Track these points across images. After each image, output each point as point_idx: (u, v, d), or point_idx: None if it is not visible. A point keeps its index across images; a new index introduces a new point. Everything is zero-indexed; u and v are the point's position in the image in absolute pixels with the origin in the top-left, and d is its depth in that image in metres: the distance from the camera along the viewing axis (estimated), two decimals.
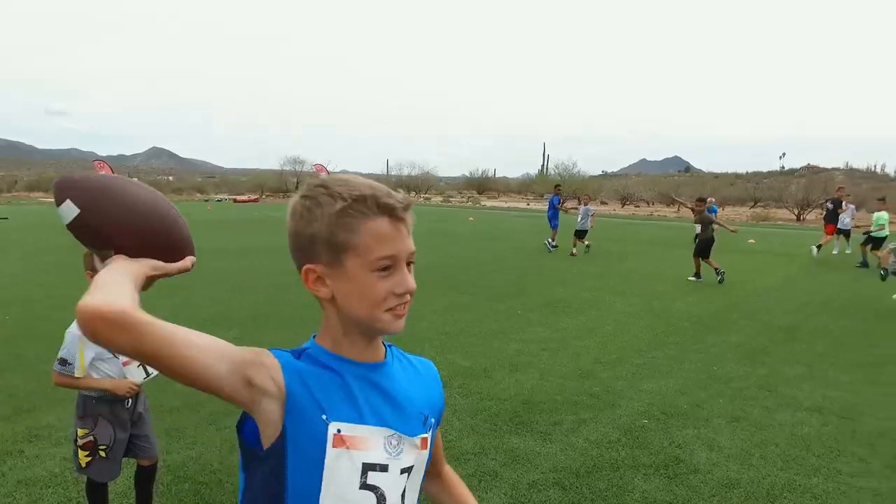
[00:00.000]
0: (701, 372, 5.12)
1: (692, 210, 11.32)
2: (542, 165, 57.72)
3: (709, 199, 17.78)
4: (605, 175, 76.31)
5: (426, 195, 56.93)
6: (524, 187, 62.84)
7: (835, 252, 14.93)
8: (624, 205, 47.88)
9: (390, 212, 0.83)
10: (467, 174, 69.07)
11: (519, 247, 15.42)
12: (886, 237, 13.13)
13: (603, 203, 46.60)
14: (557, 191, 16.13)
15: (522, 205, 46.16)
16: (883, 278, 8.72)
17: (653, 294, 8.96)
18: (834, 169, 70.95)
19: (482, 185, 65.15)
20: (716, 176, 69.90)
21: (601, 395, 4.49)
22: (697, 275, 10.33)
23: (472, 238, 17.87)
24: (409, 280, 0.86)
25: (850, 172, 67.99)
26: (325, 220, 0.82)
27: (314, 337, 0.92)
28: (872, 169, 70.49)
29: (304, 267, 0.86)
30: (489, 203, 48.99)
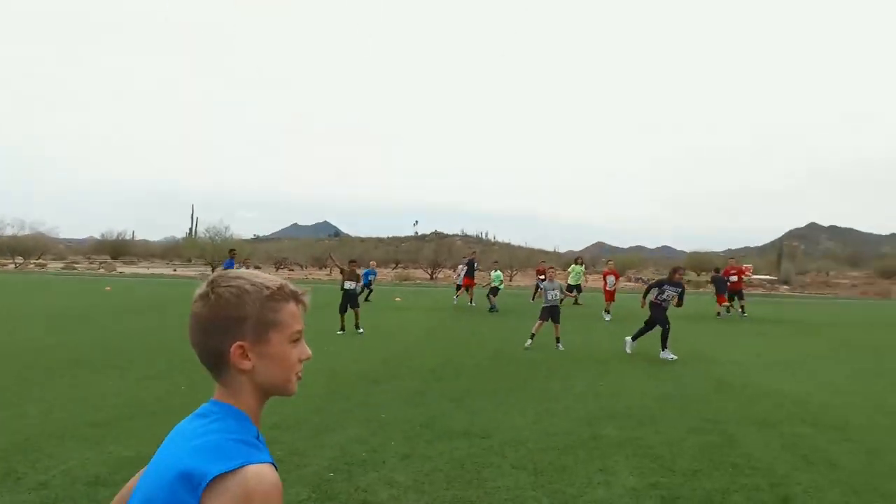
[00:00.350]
0: (372, 421, 5.62)
1: (342, 271, 12.19)
2: (191, 228, 54.35)
3: (371, 262, 19.79)
4: (257, 239, 75.96)
5: (40, 260, 47.26)
6: (169, 252, 57.91)
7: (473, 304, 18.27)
8: (278, 268, 48.38)
9: (297, 297, 1.12)
10: (98, 236, 60.36)
11: (184, 315, 14.18)
12: (501, 287, 17.43)
13: (257, 267, 46.15)
14: (232, 255, 15.75)
15: (168, 271, 42.44)
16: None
17: (319, 354, 9.36)
18: (454, 235, 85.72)
19: (118, 249, 57.60)
20: (362, 240, 76.67)
21: (286, 458, 4.53)
22: (356, 326, 11.48)
23: (122, 311, 15.67)
24: (308, 349, 1.14)
25: (466, 238, 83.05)
26: (257, 305, 1.05)
27: (235, 416, 1.04)
28: (481, 235, 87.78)
29: (236, 343, 1.04)
30: (128, 270, 43.54)
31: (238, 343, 1.04)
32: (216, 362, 1.06)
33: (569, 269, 20.45)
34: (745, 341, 11.88)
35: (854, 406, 6.53)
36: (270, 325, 1.06)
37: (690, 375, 8.20)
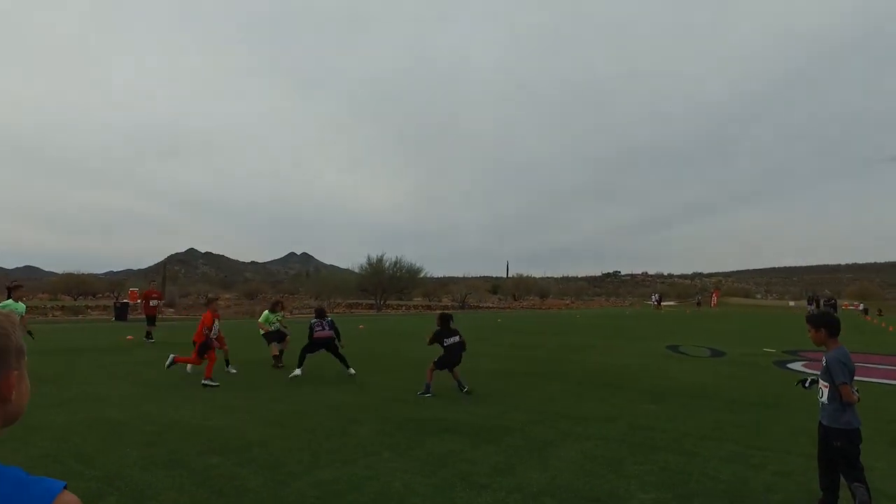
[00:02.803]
0: None
1: None
2: None
3: None
4: None
5: None
6: None
7: None
8: None
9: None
10: None
11: None
12: None
13: None
14: None
15: None
16: None
17: None
18: None
19: None
20: None
21: None
22: None
23: None
24: None
25: None
26: (17, 334, 1.11)
27: None
28: None
29: (8, 372, 1.08)
30: None
31: (12, 371, 1.08)
32: None
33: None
34: (136, 370, 11.13)
35: (251, 423, 6.84)
36: (23, 353, 1.13)
37: (77, 424, 6.89)
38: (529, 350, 16.15)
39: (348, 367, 10.57)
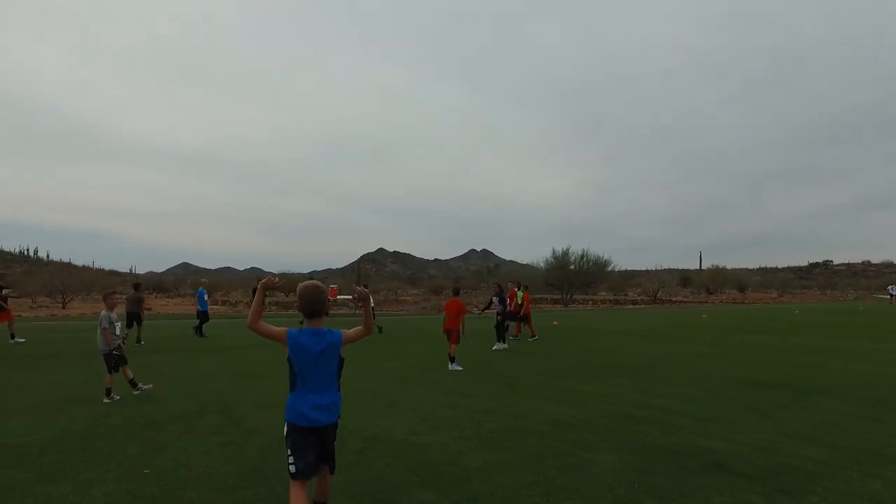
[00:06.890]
0: None
1: None
2: None
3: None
4: None
5: None
6: None
7: None
8: None
9: None
10: None
11: None
12: None
13: None
14: None
15: None
16: None
17: None
18: None
19: None
20: None
21: None
22: None
23: None
24: None
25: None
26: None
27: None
28: (25, 252, 70.50)
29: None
30: None
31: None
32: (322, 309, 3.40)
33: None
34: None
35: (463, 442, 5.85)
36: None
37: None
38: (760, 353, 13.46)
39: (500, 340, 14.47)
